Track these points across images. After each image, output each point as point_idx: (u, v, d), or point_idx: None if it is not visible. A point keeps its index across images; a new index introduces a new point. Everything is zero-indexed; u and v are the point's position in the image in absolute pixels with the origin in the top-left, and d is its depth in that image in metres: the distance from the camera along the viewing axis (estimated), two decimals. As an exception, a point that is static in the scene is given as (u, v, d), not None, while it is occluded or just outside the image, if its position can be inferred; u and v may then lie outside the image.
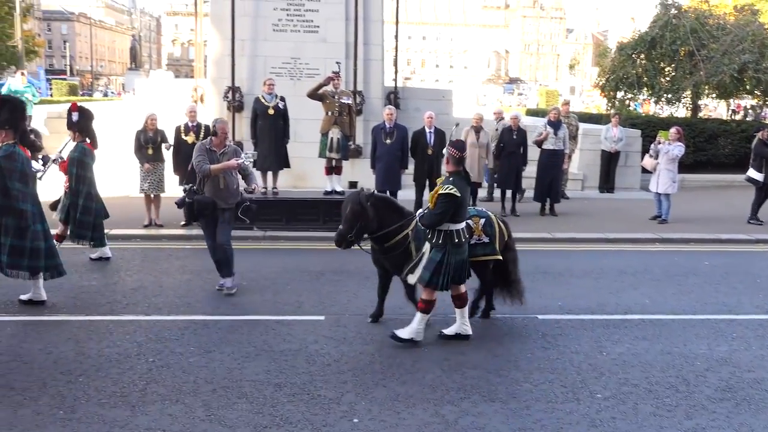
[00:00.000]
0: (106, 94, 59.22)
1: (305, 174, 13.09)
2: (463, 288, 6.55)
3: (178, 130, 11.54)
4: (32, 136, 11.31)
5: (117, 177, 12.92)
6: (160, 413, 5.00)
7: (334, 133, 11.05)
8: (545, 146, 13.18)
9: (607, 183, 16.12)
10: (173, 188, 11.17)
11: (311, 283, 8.53)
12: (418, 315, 6.46)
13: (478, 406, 5.26)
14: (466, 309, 6.71)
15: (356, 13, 14.89)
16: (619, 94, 22.65)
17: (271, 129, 11.30)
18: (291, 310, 7.36)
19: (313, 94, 10.96)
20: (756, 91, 20.78)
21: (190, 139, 11.33)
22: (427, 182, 11.70)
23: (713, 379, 5.90)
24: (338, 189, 11.39)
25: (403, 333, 6.44)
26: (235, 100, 14.64)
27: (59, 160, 8.80)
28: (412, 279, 6.53)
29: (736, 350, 6.58)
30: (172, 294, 7.91)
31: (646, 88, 22.11)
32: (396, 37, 16.19)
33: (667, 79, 21.69)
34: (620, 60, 22.44)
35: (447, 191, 6.15)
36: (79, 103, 9.78)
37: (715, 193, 16.28)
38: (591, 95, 28.85)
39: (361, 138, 14.14)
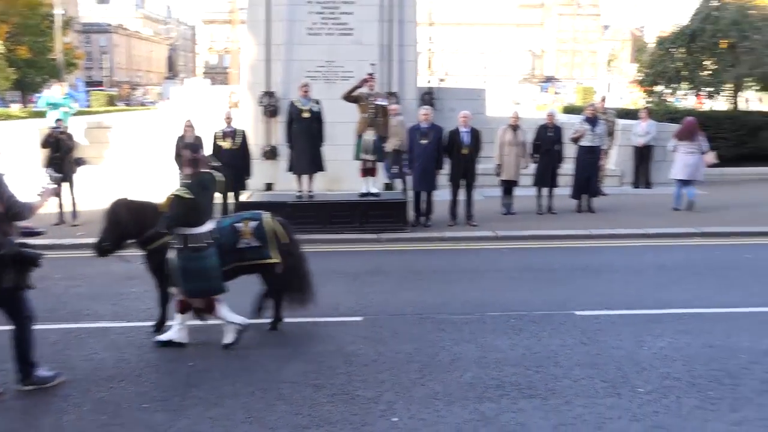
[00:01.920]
0: (143, 104, 60.29)
1: (341, 176, 13.16)
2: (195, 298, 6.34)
3: (215, 136, 11.71)
4: (64, 137, 11.66)
5: (157, 183, 13.15)
6: (200, 417, 5.07)
7: (369, 135, 11.08)
8: (582, 143, 13.05)
9: (641, 178, 15.90)
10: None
11: (348, 284, 8.57)
12: (178, 316, 6.43)
13: (518, 403, 5.24)
14: (187, 316, 6.46)
15: (391, 14, 14.92)
16: (659, 89, 22.32)
17: (306, 132, 11.39)
18: (328, 312, 7.40)
19: (348, 97, 11.01)
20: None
21: (226, 144, 11.49)
22: (463, 182, 11.69)
23: (759, 371, 5.79)
24: (374, 191, 11.44)
25: (165, 335, 6.46)
26: (270, 104, 14.78)
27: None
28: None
29: None
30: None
31: (686, 82, 21.76)
32: (431, 38, 16.19)
33: (708, 72, 21.32)
34: (659, 54, 22.13)
35: (176, 193, 6.00)
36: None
37: (757, 185, 15.93)
38: (630, 91, 28.45)
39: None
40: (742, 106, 22.89)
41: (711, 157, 13.52)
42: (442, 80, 42.33)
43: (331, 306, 7.62)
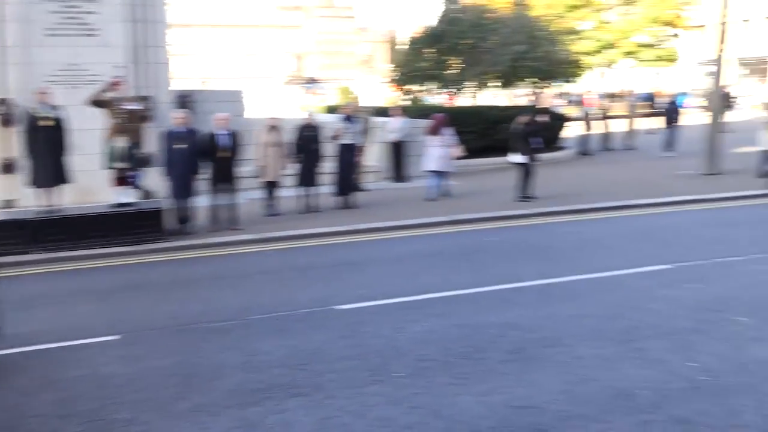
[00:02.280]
0: None
1: (93, 188, 12.26)
2: None
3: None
4: None
5: None
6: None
7: (119, 142, 10.49)
8: (341, 141, 13.40)
9: (398, 173, 16.71)
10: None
11: (103, 302, 8.03)
12: None
13: (282, 403, 5.22)
14: None
15: (139, 14, 14.18)
16: (412, 87, 23.63)
17: (48, 142, 10.54)
18: (81, 334, 6.86)
19: (95, 101, 10.35)
20: (531, 78, 22.54)
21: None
22: (224, 186, 11.47)
23: (503, 343, 6.30)
24: (128, 200, 10.82)
25: None
26: (5, 113, 13.38)
27: None
28: None
29: (522, 315, 7.07)
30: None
31: (435, 81, 23.24)
32: (189, 40, 15.66)
33: (454, 71, 22.94)
34: (411, 55, 23.40)
35: None
36: None
37: (499, 174, 17.38)
38: (386, 90, 29.96)
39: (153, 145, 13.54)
40: (488, 101, 24.96)
41: (457, 150, 14.67)
42: (204, 83, 41.34)
43: (84, 327, 7.08)
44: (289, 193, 13.11)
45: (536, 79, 22.89)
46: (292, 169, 13.01)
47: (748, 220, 11.75)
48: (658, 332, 6.44)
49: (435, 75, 22.78)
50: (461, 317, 7.05)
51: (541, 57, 20.64)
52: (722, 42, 16.20)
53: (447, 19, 22.32)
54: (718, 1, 16.49)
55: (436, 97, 25.27)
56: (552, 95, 38.48)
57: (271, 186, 12.80)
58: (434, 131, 14.44)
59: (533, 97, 26.27)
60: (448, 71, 22.94)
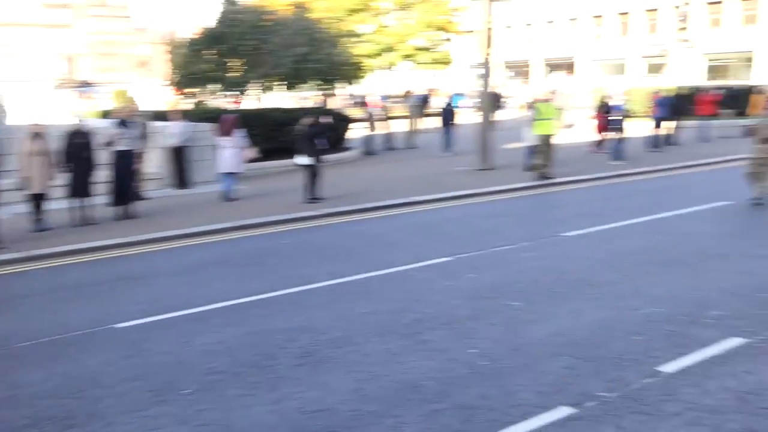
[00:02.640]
0: None
1: None
2: None
3: None
4: None
5: None
6: None
7: None
8: (117, 147, 12.58)
9: (180, 179, 16.08)
10: None
11: None
12: None
13: (54, 438, 4.74)
14: None
15: None
16: (193, 90, 22.89)
17: None
18: None
19: None
20: (314, 80, 22.74)
21: None
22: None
23: (293, 348, 6.22)
24: None
25: None
26: None
27: None
28: None
29: (313, 317, 7.05)
30: None
31: (216, 83, 22.67)
32: None
33: (236, 73, 22.52)
34: (190, 56, 22.61)
35: None
36: None
37: (286, 177, 17.33)
38: (166, 92, 28.68)
39: None
40: (275, 103, 24.80)
41: (250, 152, 14.61)
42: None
43: None
44: (60, 206, 12.08)
45: (319, 81, 23.14)
46: (62, 179, 11.98)
47: (518, 211, 12.72)
48: (440, 323, 6.71)
49: (216, 77, 22.26)
50: (251, 325, 6.88)
51: (323, 59, 20.90)
52: (488, 46, 17.41)
53: (226, 21, 21.88)
54: (483, 9, 17.70)
55: (220, 99, 24.70)
56: (343, 97, 39.31)
57: (38, 198, 11.69)
58: (225, 132, 14.23)
59: (322, 99, 26.59)
60: (230, 73, 22.51)
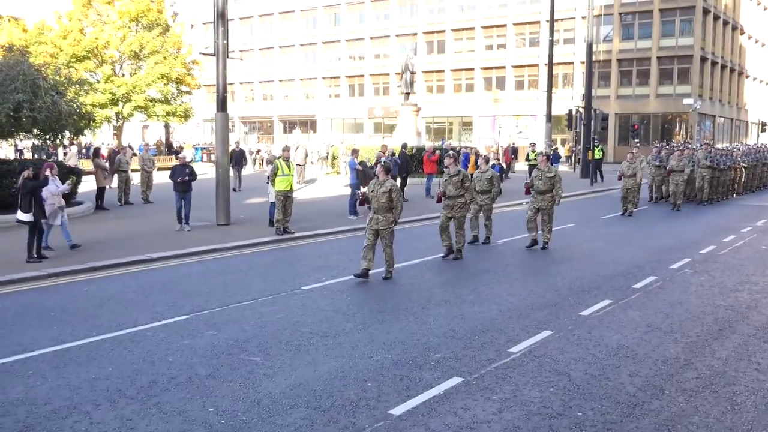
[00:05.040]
0: None
1: None
2: None
3: None
4: None
5: None
6: None
7: None
8: None
9: None
10: None
11: None
12: None
13: None
14: None
15: None
16: None
17: None
18: None
19: None
20: (35, 129, 21.01)
21: None
22: None
23: (8, 423, 5.63)
24: None
25: None
26: None
27: None
28: None
29: (33, 387, 6.45)
30: None
31: None
32: None
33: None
34: None
35: None
36: None
37: (7, 233, 15.78)
38: None
39: None
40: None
41: None
42: None
43: None
44: None
45: (40, 132, 21.39)
46: None
47: (258, 266, 12.80)
48: (176, 383, 6.52)
49: None
50: (-43, 402, 6.09)
51: (46, 108, 19.36)
52: (223, 101, 17.53)
53: None
54: (214, 69, 17.84)
55: None
56: (77, 151, 36.77)
57: None
58: None
59: (51, 149, 24.54)
60: None
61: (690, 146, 28.76)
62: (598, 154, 33.00)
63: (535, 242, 14.31)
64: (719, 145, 29.42)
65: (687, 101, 51.67)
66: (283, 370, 6.87)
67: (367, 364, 7.07)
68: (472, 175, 15.04)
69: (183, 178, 16.61)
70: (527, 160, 29.75)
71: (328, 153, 41.45)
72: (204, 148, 53.10)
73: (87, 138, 44.38)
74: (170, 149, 48.04)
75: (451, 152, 15.05)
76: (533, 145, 32.47)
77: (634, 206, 20.70)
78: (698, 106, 52.04)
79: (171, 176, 16.77)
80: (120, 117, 43.78)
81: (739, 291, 10.49)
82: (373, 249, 11.17)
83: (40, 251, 12.66)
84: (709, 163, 23.32)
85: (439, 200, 13.58)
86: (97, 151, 24.72)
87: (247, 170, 34.75)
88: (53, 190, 13.41)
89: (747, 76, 66.28)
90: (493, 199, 15.25)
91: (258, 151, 45.41)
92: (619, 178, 21.15)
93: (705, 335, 8.17)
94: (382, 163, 11.97)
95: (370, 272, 11.15)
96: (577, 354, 7.41)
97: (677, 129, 53.89)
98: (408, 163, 24.35)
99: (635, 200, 20.85)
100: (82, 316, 9.04)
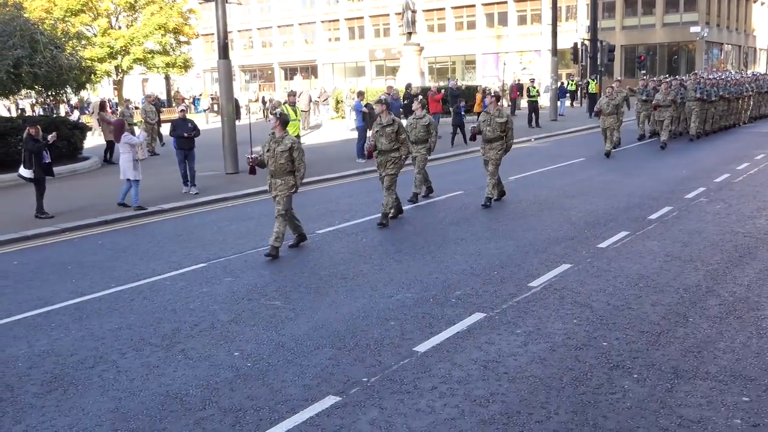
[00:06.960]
0: None
1: None
2: None
3: None
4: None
5: None
6: None
7: None
8: None
9: None
10: None
11: None
12: None
13: None
14: None
15: None
16: None
17: None
18: None
19: None
20: (36, 86, 20.78)
21: None
22: None
23: (37, 375, 5.66)
24: None
25: None
26: None
27: None
28: None
29: (57, 339, 6.48)
30: None
31: None
32: None
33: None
34: None
35: None
36: None
37: (10, 192, 15.72)
38: None
39: None
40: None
41: None
42: None
43: None
44: None
45: (41, 88, 21.16)
46: None
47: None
48: (199, 330, 6.53)
49: None
50: (-14, 356, 6.13)
51: (45, 63, 19.08)
52: (225, 49, 17.22)
53: None
54: (211, 18, 17.46)
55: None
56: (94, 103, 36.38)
57: None
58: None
59: (54, 104, 24.35)
60: None
61: (678, 78, 27.72)
62: (594, 88, 32.57)
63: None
64: (707, 75, 28.28)
65: (694, 29, 50.68)
66: (305, 313, 6.87)
67: (387, 303, 7.06)
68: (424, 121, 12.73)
69: (187, 133, 14.97)
70: (529, 96, 29.35)
71: (327, 97, 40.84)
72: (200, 100, 52.67)
73: (86, 93, 43.89)
74: (170, 102, 47.55)
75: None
76: (533, 80, 32.02)
77: (612, 145, 18.37)
78: (705, 34, 51.07)
79: (171, 132, 15.38)
80: (119, 70, 43.24)
81: (756, 217, 10.40)
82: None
83: (43, 208, 12.50)
84: (699, 95, 21.51)
85: (369, 155, 11.67)
86: (103, 104, 24.40)
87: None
88: (134, 141, 13.21)
89: (755, 1, 64.81)
90: (429, 150, 12.83)
91: (271, 100, 44.18)
92: (597, 115, 18.93)
93: (725, 263, 8.12)
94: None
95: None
96: (597, 285, 7.38)
97: (685, 59, 52.99)
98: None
99: (613, 138, 18.43)
100: (99, 269, 9.05)
